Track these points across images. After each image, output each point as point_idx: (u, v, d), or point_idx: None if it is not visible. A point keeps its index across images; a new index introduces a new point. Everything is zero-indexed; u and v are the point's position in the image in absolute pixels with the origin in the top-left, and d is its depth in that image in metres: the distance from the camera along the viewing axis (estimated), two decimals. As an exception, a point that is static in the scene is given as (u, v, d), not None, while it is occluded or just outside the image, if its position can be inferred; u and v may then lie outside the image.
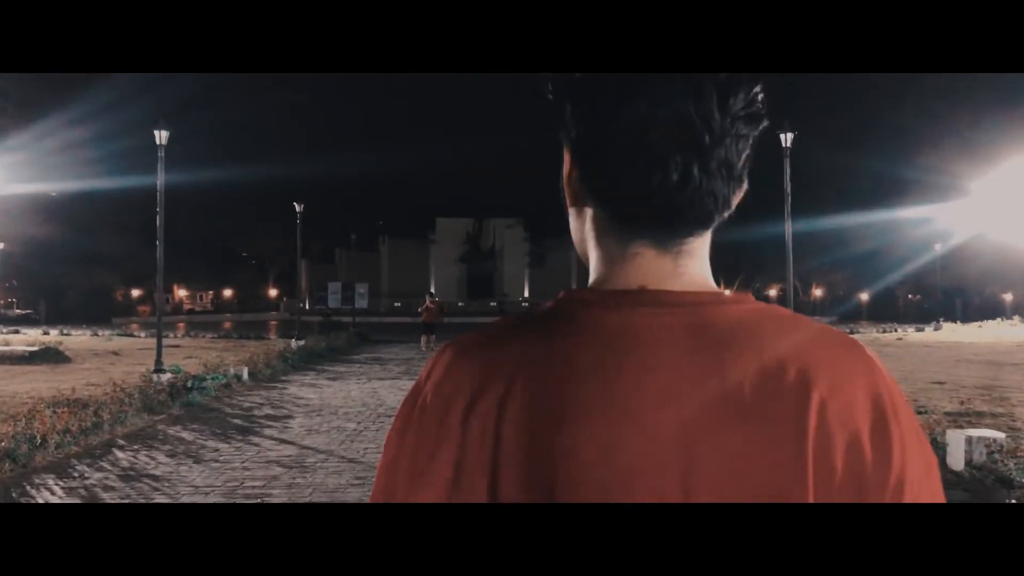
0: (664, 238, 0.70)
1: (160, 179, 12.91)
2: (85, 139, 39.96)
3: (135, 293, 69.24)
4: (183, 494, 6.43)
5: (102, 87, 41.91)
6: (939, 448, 7.42)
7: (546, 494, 0.62)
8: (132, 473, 7.19)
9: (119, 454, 8.07)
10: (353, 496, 6.33)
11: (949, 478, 6.81)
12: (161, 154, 12.75)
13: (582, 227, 0.76)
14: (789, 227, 14.66)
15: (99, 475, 7.12)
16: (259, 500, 6.21)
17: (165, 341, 25.75)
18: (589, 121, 0.70)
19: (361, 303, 36.14)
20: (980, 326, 37.58)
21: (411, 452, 0.69)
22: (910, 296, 65.90)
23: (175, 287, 79.11)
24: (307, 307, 53.82)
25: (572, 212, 0.77)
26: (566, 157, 0.74)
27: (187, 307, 77.19)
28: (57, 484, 6.76)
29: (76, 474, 7.16)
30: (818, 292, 66.88)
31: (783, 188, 14.88)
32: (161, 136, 12.61)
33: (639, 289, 0.69)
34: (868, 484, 0.63)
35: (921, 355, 20.91)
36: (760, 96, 0.68)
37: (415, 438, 0.69)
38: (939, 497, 0.67)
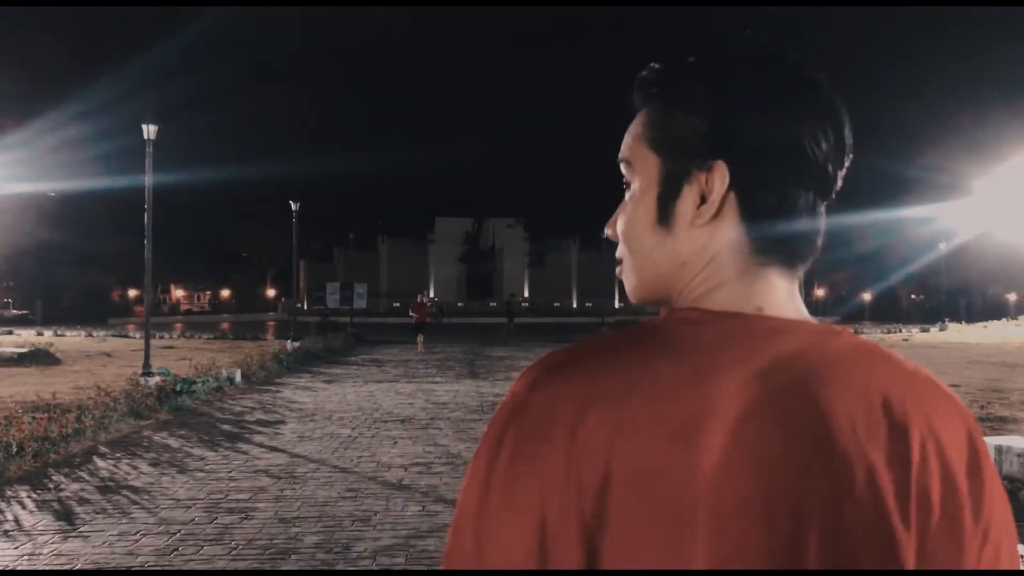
0: (795, 262, 0.71)
1: (148, 175, 12.49)
2: (81, 138, 39.59)
3: (132, 293, 68.78)
4: (163, 507, 6.02)
5: (99, 85, 41.57)
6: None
7: (650, 521, 0.58)
8: (111, 484, 6.78)
9: (100, 463, 7.66)
10: (345, 510, 5.92)
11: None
12: (149, 149, 12.32)
13: (696, 245, 0.71)
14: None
15: (76, 486, 6.70)
16: (243, 515, 5.80)
17: (160, 342, 25.51)
18: (766, 132, 0.68)
19: (360, 303, 35.82)
20: (985, 326, 37.28)
21: (506, 463, 0.61)
22: (913, 296, 65.50)
23: (172, 287, 78.77)
24: (306, 307, 53.48)
25: (682, 231, 0.71)
26: (717, 168, 0.68)
27: (184, 307, 76.82)
28: (30, 496, 6.35)
29: (52, 485, 6.75)
30: (820, 292, 66.48)
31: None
32: (149, 131, 12.18)
33: (755, 313, 0.68)
34: (963, 522, 0.63)
35: (930, 356, 20.52)
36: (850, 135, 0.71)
37: (510, 449, 0.61)
38: (1016, 542, 0.68)
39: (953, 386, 13.41)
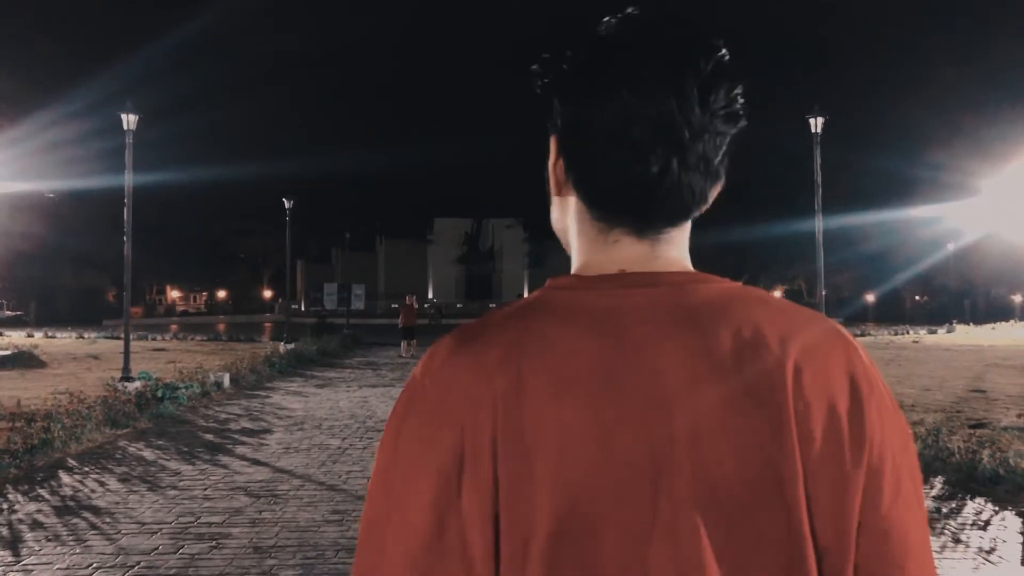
0: (643, 227, 0.72)
1: (128, 171, 11.82)
2: (77, 138, 38.94)
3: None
4: (124, 533, 5.35)
5: (94, 84, 40.95)
6: (1014, 474, 6.35)
7: (545, 473, 0.63)
8: (72, 504, 6.11)
9: (65, 478, 6.99)
10: (330, 536, 5.26)
11: (1035, 511, 5.73)
12: (129, 140, 11.65)
13: (564, 216, 0.78)
14: (820, 221, 13.53)
15: (32, 507, 6.03)
16: (213, 542, 5.13)
17: (151, 344, 24.88)
18: (575, 112, 0.72)
19: (357, 304, 35.22)
20: (994, 328, 36.67)
21: (410, 445, 0.66)
22: (917, 297, 64.89)
23: (168, 288, 78.08)
24: (303, 308, 52.85)
25: (555, 201, 0.79)
26: (552, 146, 0.76)
27: (180, 308, 76.06)
28: (-22, 519, 5.67)
29: (5, 506, 6.07)
30: (824, 293, 65.93)
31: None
32: (129, 120, 11.50)
33: (619, 273, 0.71)
34: (846, 452, 0.64)
35: (944, 359, 19.87)
36: (740, 95, 0.71)
37: (413, 431, 0.67)
38: (916, 472, 0.68)
39: (978, 391, 12.76)
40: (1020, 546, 5.03)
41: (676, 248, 0.74)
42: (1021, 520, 5.53)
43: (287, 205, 25.83)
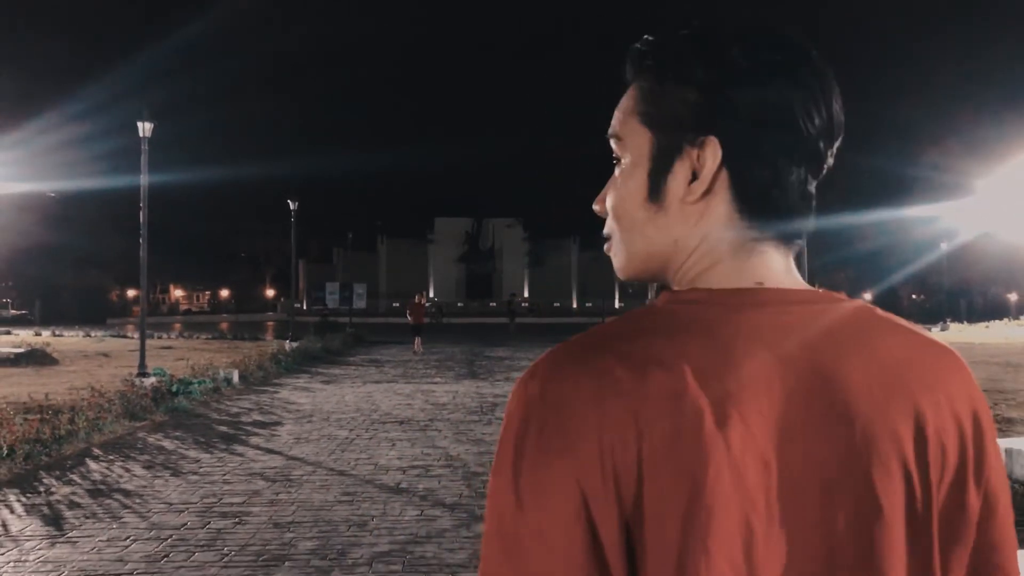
0: (790, 236, 0.70)
1: (144, 174, 12.34)
2: (80, 138, 39.44)
3: (131, 293, 68.64)
4: (155, 511, 5.87)
5: (98, 85, 41.42)
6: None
7: (687, 503, 0.58)
8: (103, 487, 6.63)
9: (92, 465, 7.52)
10: (342, 514, 5.78)
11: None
12: (145, 147, 12.18)
13: (687, 222, 0.70)
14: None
15: (67, 490, 6.56)
16: (237, 519, 5.65)
17: (158, 342, 25.34)
18: (757, 107, 0.66)
19: (359, 303, 35.71)
20: (987, 326, 37.15)
21: (535, 465, 0.59)
22: (914, 296, 65.36)
23: (171, 287, 78.63)
24: (305, 307, 53.34)
25: (673, 208, 0.70)
26: (708, 143, 0.67)
27: (183, 307, 76.64)
28: (19, 500, 6.20)
29: (42, 488, 6.60)
30: (820, 290, 66.28)
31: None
32: (145, 128, 12.03)
33: (757, 287, 0.68)
34: (967, 482, 0.65)
35: (932, 356, 20.38)
36: None
37: (535, 450, 0.59)
38: (1007, 491, 0.69)
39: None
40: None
41: (795, 263, 0.72)
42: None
43: (292, 207, 26.31)
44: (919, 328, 0.70)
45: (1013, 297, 58.55)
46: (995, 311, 51.58)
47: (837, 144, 0.70)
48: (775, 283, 0.68)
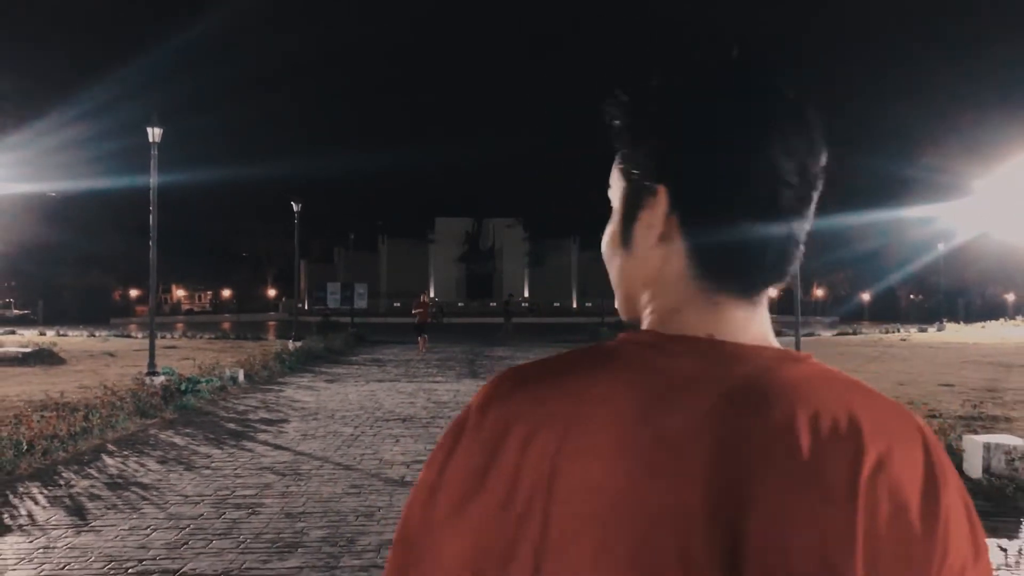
0: (750, 290, 0.69)
1: (153, 177, 12.65)
2: (83, 138, 39.69)
3: (133, 293, 68.95)
4: (172, 503, 6.18)
5: (100, 85, 41.69)
6: (955, 455, 7.17)
7: (589, 531, 0.59)
8: (120, 481, 6.94)
9: (108, 460, 7.82)
10: (350, 505, 6.08)
11: (968, 487, 6.55)
12: (154, 152, 12.49)
13: (648, 269, 0.72)
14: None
15: (86, 483, 6.86)
16: (250, 510, 5.96)
17: (162, 342, 25.59)
18: (711, 163, 0.67)
19: (360, 303, 35.91)
20: (983, 326, 37.42)
21: (456, 474, 0.64)
22: (912, 296, 65.65)
23: (174, 287, 78.93)
24: (306, 307, 53.57)
25: (642, 253, 0.72)
26: (657, 197, 0.69)
27: (185, 307, 76.94)
28: (41, 493, 6.51)
29: (62, 482, 6.91)
30: (819, 292, 66.62)
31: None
32: (154, 134, 12.34)
33: (707, 338, 0.67)
34: (913, 555, 0.61)
35: (927, 356, 20.67)
36: None
37: (462, 461, 0.65)
38: (984, 565, 0.65)
39: (947, 385, 13.58)
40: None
41: (763, 315, 0.71)
42: (951, 493, 6.34)
43: (295, 208, 26.57)
44: (877, 394, 0.67)
45: (1011, 297, 58.84)
46: (993, 311, 51.85)
47: (815, 192, 0.69)
48: (729, 337, 0.67)
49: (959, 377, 15.11)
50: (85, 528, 5.53)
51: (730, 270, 0.69)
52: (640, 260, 0.73)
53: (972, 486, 6.54)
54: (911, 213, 45.17)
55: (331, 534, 5.39)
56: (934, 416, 9.33)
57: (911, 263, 50.29)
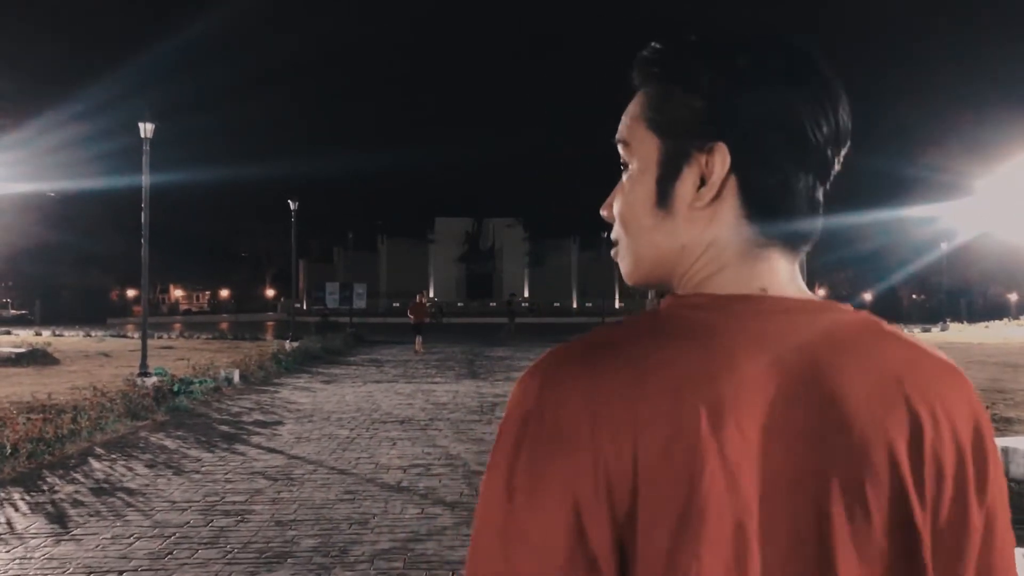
0: (797, 243, 0.70)
1: (145, 175, 12.39)
2: (81, 138, 39.49)
3: (131, 293, 68.66)
4: (158, 509, 5.92)
5: (99, 85, 41.48)
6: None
7: (681, 509, 0.58)
8: (106, 486, 6.68)
9: (95, 464, 7.57)
10: (343, 512, 5.83)
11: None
12: (146, 148, 12.23)
13: (695, 228, 0.70)
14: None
15: (70, 488, 6.61)
16: (239, 517, 5.70)
17: (158, 342, 25.39)
18: (766, 111, 0.67)
19: (359, 303, 35.72)
20: (987, 326, 37.20)
21: (532, 485, 0.58)
22: (914, 296, 65.42)
23: (171, 287, 78.69)
24: (305, 307, 53.37)
25: (681, 214, 0.70)
26: (717, 149, 0.67)
27: (183, 307, 76.67)
28: (23, 499, 6.25)
29: (46, 487, 6.65)
30: (821, 292, 66.43)
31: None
32: (146, 129, 12.08)
33: (760, 295, 0.68)
34: (969, 499, 0.65)
35: (931, 356, 20.42)
36: None
37: (537, 467, 0.59)
38: (1007, 511, 0.68)
39: (956, 386, 13.32)
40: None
41: (799, 271, 0.72)
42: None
43: (292, 207, 26.35)
44: (924, 343, 0.69)
45: (1013, 297, 58.61)
46: (995, 311, 51.65)
47: (844, 151, 0.70)
48: (778, 290, 0.68)
49: (968, 377, 14.86)
50: (66, 537, 5.27)
51: (784, 221, 0.69)
52: (683, 221, 0.70)
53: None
54: (912, 213, 45.03)
55: (323, 543, 5.14)
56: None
57: (913, 263, 50.13)
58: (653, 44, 0.71)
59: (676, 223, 0.70)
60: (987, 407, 7.22)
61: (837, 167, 0.71)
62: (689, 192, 0.69)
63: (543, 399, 0.60)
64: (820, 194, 0.70)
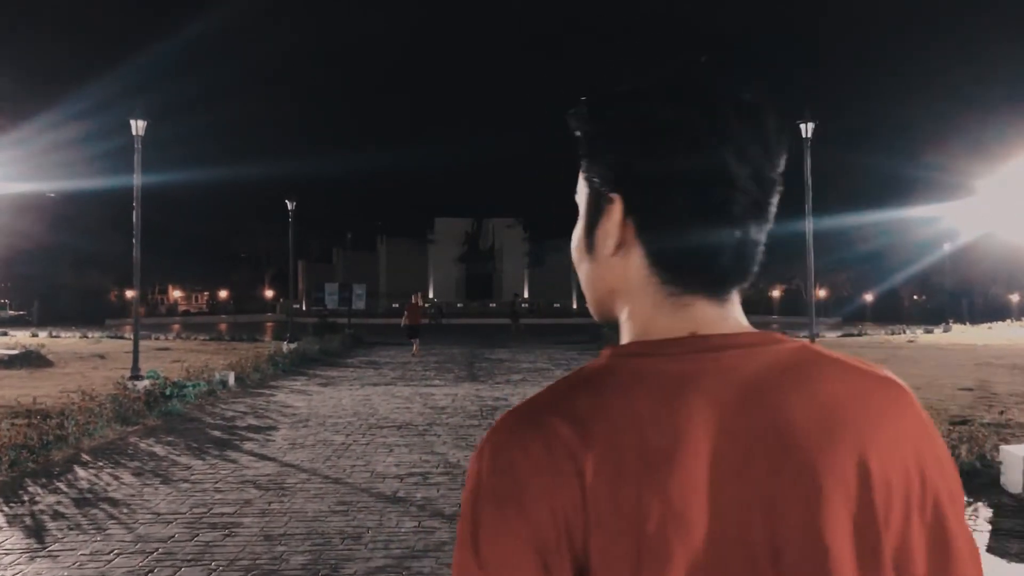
0: (718, 290, 0.70)
1: (137, 173, 12.12)
2: (79, 138, 39.21)
3: (129, 294, 68.30)
4: (141, 522, 5.65)
5: (97, 85, 41.21)
6: (991, 467, 6.65)
7: (633, 554, 0.60)
8: (89, 496, 6.41)
9: (81, 472, 7.29)
10: (336, 525, 5.55)
11: (1006, 503, 6.04)
12: (138, 145, 11.95)
13: (613, 278, 0.73)
14: (810, 224, 13.84)
15: (52, 499, 6.33)
16: (226, 531, 5.43)
17: (155, 343, 25.12)
18: (664, 169, 0.67)
19: (359, 304, 35.44)
20: (990, 327, 36.91)
21: (493, 549, 0.62)
22: (915, 297, 65.17)
23: (170, 288, 78.39)
24: (304, 308, 53.11)
25: (604, 262, 0.73)
26: (613, 205, 0.70)
27: (182, 308, 76.36)
28: (0, 510, 5.97)
29: (26, 497, 6.38)
30: (822, 292, 66.12)
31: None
32: (138, 127, 11.81)
33: (690, 336, 0.68)
34: (914, 516, 0.65)
35: (937, 358, 20.16)
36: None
37: (494, 530, 0.62)
38: (973, 555, 0.68)
39: (966, 389, 13.05)
40: (988, 534, 5.33)
41: (737, 307, 0.72)
42: (992, 511, 5.82)
43: (290, 206, 26.09)
44: (868, 365, 0.69)
45: (1015, 298, 58.34)
46: (997, 312, 51.33)
47: (774, 196, 0.70)
48: (709, 330, 0.68)
49: (976, 380, 14.59)
50: (41, 553, 5.00)
51: (691, 274, 0.69)
52: (604, 267, 0.73)
53: (1013, 504, 6.02)
54: (914, 213, 44.77)
55: (313, 560, 4.86)
56: (961, 423, 8.79)
57: (914, 263, 49.84)
58: (571, 110, 0.74)
59: (601, 268, 0.74)
60: (1001, 412, 6.85)
61: (768, 206, 0.70)
62: (602, 241, 0.72)
63: (495, 466, 0.63)
64: (747, 233, 0.69)
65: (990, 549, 5.05)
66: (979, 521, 5.61)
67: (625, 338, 0.72)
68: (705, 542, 0.60)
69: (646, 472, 0.60)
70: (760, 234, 0.70)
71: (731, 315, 0.70)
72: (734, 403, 0.63)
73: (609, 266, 0.72)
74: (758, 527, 0.61)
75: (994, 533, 5.35)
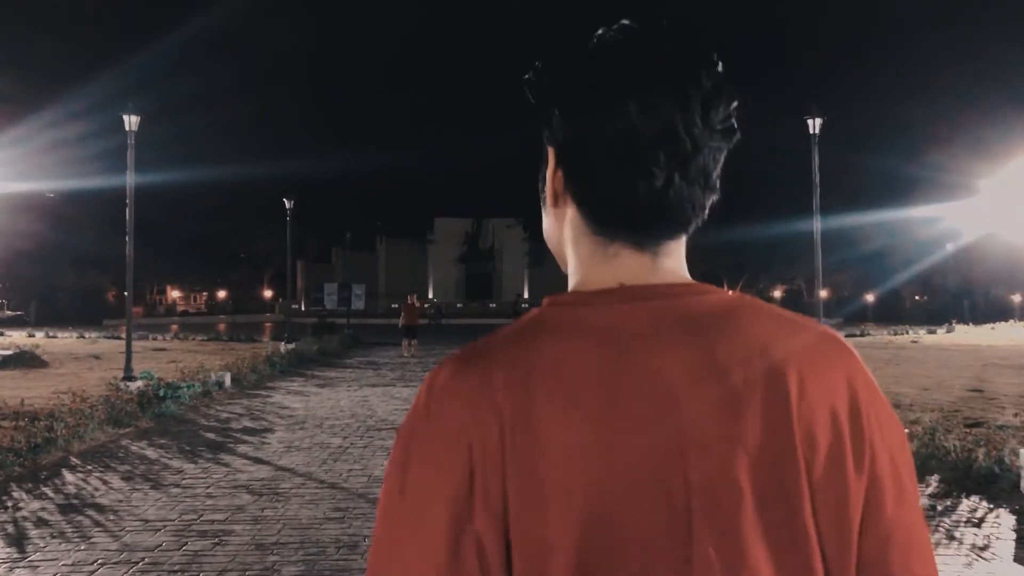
0: (644, 241, 0.72)
1: (130, 170, 11.88)
2: (78, 137, 38.96)
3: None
4: (128, 530, 5.41)
5: (96, 84, 40.99)
6: (1011, 472, 6.41)
7: (558, 495, 0.63)
8: (76, 502, 6.17)
9: (68, 476, 7.05)
10: (331, 533, 5.32)
11: (1029, 509, 5.79)
12: (131, 141, 11.72)
13: (560, 228, 0.77)
14: (818, 222, 13.58)
15: (36, 504, 6.09)
16: (216, 539, 5.19)
17: (152, 344, 24.92)
18: (577, 125, 0.71)
19: (358, 304, 35.21)
20: (993, 328, 36.71)
21: (418, 472, 0.65)
22: (917, 297, 64.93)
23: (169, 288, 78.13)
24: (303, 308, 52.87)
25: (550, 212, 0.78)
26: (550, 158, 0.75)
27: (180, 308, 76.10)
28: (-17, 517, 5.74)
29: (10, 503, 6.14)
30: (824, 293, 65.86)
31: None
32: (131, 122, 11.57)
33: (619, 287, 0.71)
34: (848, 458, 0.66)
35: (942, 359, 19.93)
36: (736, 110, 0.72)
37: (422, 456, 0.66)
38: (913, 473, 0.70)
39: (976, 391, 12.82)
40: (1013, 543, 5.09)
41: (674, 260, 0.73)
42: (1015, 517, 5.59)
43: (288, 205, 25.86)
44: (811, 321, 0.71)
45: (1017, 298, 58.09)
46: (999, 312, 51.10)
47: (699, 150, 0.70)
48: (638, 281, 0.70)
49: (984, 381, 14.36)
50: (21, 563, 4.76)
51: (612, 224, 0.72)
52: (552, 218, 0.78)
53: (1037, 509, 5.77)
54: (915, 213, 44.53)
55: (307, 571, 4.63)
56: (978, 425, 8.55)
57: (916, 264, 49.58)
58: (535, 63, 0.75)
59: (550, 220, 0.79)
60: (1016, 414, 6.56)
61: (688, 164, 0.69)
62: (548, 193, 0.76)
63: (429, 403, 0.67)
64: (669, 185, 0.69)
65: (1017, 559, 4.82)
66: (1002, 529, 5.38)
67: (569, 287, 0.75)
68: (617, 482, 0.62)
69: (562, 414, 0.63)
70: (693, 188, 0.70)
71: (663, 266, 0.72)
72: (661, 348, 0.65)
73: (555, 217, 0.77)
74: (674, 467, 0.63)
75: (1020, 542, 5.12)
